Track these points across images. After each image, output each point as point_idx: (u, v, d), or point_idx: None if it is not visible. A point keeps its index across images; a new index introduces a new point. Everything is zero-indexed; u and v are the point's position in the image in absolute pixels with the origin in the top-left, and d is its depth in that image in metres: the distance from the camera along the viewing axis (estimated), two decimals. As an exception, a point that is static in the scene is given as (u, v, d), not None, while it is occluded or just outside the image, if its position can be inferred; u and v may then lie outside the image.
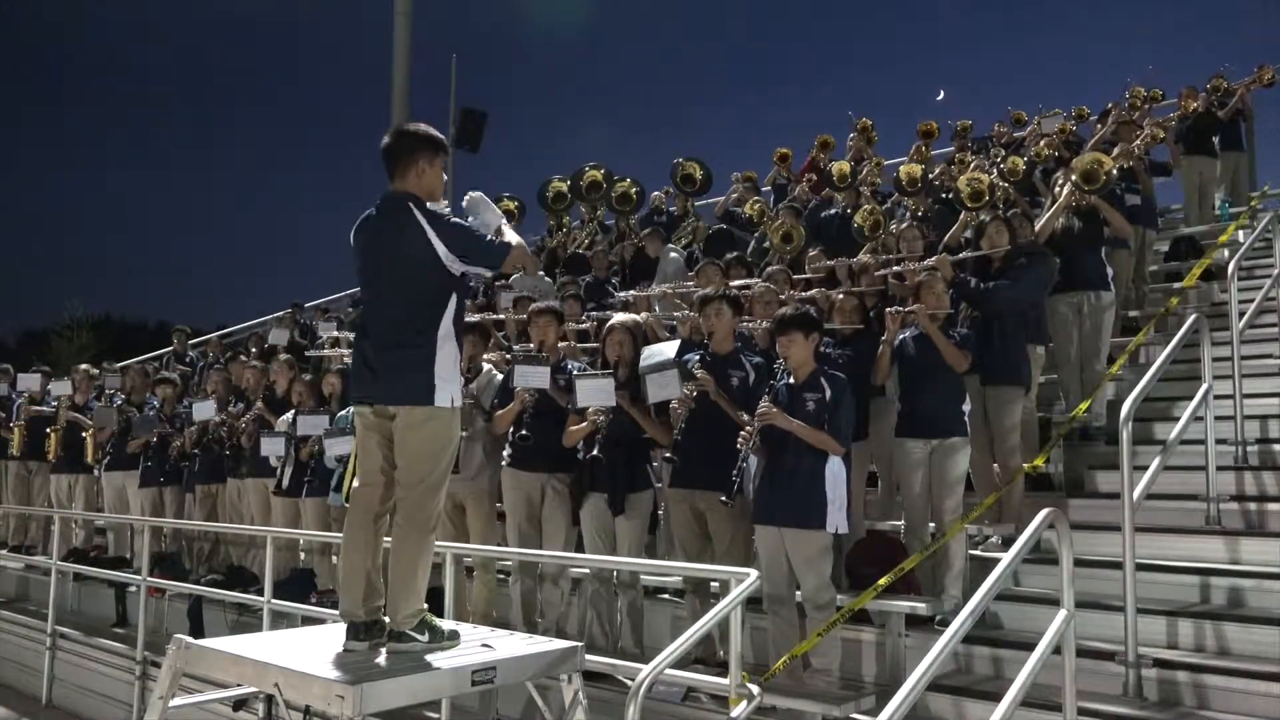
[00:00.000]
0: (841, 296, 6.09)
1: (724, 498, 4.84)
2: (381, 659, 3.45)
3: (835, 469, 4.71)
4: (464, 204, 3.79)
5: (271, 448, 7.54)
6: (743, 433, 4.82)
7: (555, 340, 6.15)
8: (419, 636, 3.51)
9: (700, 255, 9.69)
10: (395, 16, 14.90)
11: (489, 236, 3.63)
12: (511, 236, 3.73)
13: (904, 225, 7.43)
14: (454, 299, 3.60)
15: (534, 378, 5.64)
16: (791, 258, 8.35)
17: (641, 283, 10.66)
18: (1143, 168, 8.84)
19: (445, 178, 3.76)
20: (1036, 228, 6.74)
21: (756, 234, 9.86)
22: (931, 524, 5.40)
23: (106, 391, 10.64)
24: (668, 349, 5.41)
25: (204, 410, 8.54)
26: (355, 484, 3.78)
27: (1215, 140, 10.54)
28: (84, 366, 11.20)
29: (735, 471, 4.83)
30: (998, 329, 5.93)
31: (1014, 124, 12.52)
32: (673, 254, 9.90)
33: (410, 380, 3.50)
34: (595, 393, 5.39)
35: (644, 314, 6.68)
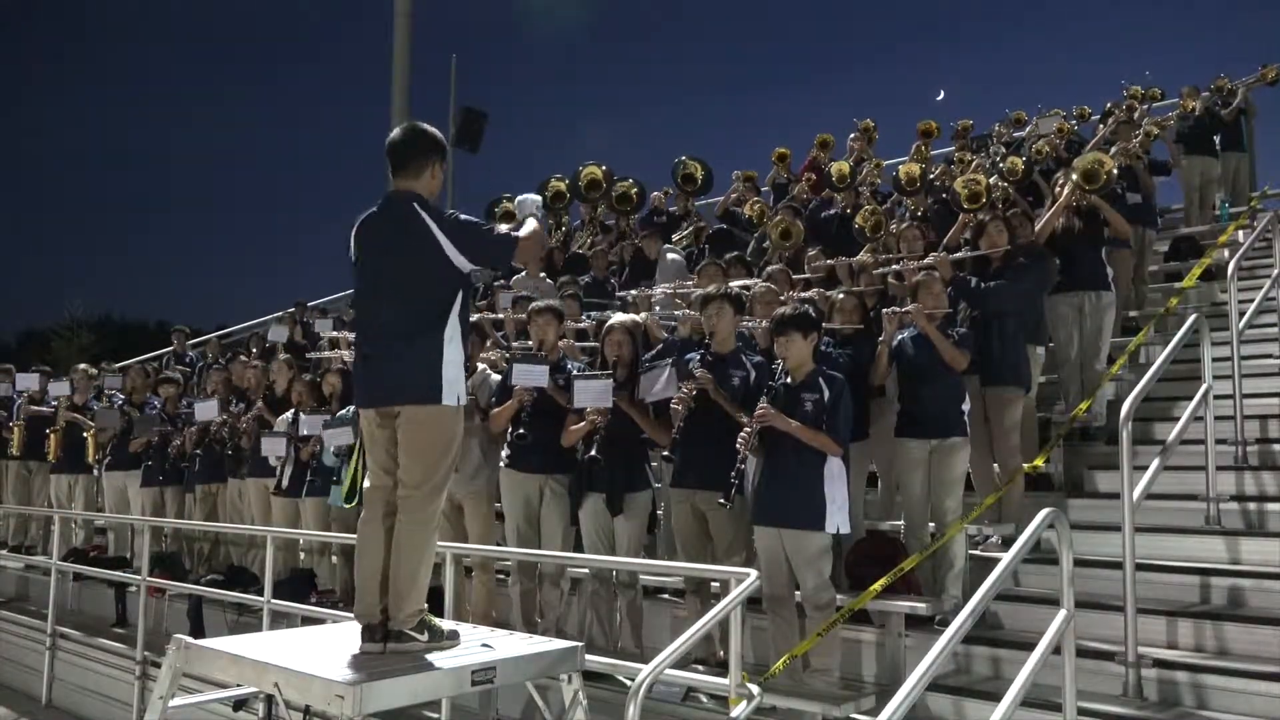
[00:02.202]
0: (841, 296, 6.08)
1: (722, 499, 4.84)
2: (381, 659, 3.45)
3: (834, 469, 4.71)
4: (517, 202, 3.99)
5: (271, 447, 7.54)
6: (741, 434, 4.82)
7: (555, 339, 6.15)
8: (419, 636, 3.52)
9: (699, 255, 9.71)
10: (395, 16, 14.89)
11: (494, 229, 3.65)
12: (526, 228, 3.75)
13: (904, 225, 7.42)
14: (460, 297, 3.61)
15: (533, 376, 5.64)
16: (791, 257, 8.35)
17: (642, 282, 10.68)
18: (1143, 167, 8.84)
19: (439, 179, 3.79)
20: (1037, 228, 6.73)
21: (756, 234, 9.87)
22: (931, 524, 5.40)
23: (106, 392, 10.63)
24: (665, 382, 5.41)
25: (207, 410, 8.54)
26: (366, 485, 3.79)
27: (1216, 140, 10.54)
28: (83, 366, 11.19)
29: (734, 473, 4.82)
30: (997, 329, 5.93)
31: (1014, 124, 12.51)
32: (670, 255, 9.89)
33: (417, 379, 3.50)
34: (592, 394, 5.39)
35: (643, 314, 6.67)
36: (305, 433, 7.35)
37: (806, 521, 4.65)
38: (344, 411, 7.11)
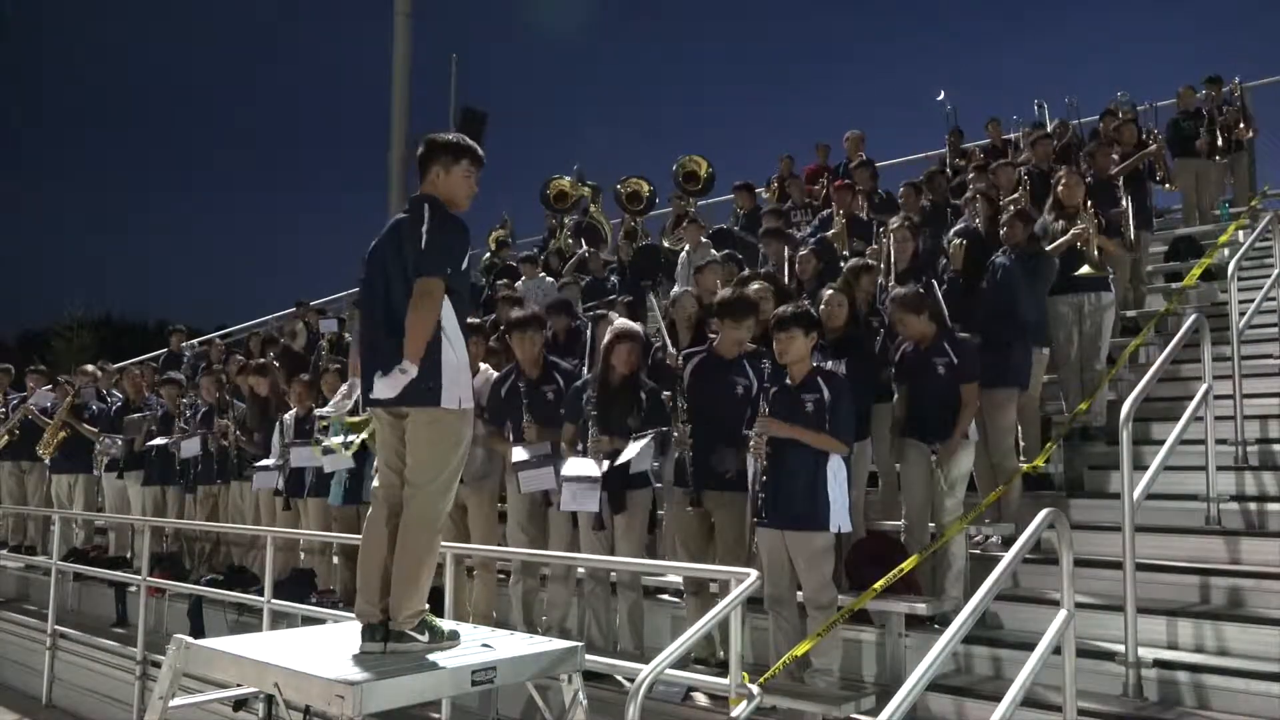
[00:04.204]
0: (830, 293, 5.85)
1: (755, 519, 4.83)
2: (382, 659, 3.45)
3: (835, 467, 4.70)
4: None
5: (263, 481, 7.66)
6: (751, 445, 4.80)
7: (537, 354, 5.98)
8: (419, 636, 3.52)
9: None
10: (395, 16, 14.89)
11: (449, 258, 3.54)
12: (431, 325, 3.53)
13: (894, 225, 7.19)
14: (451, 299, 3.60)
15: (539, 481, 5.60)
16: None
17: (643, 282, 10.68)
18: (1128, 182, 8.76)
19: (471, 184, 3.75)
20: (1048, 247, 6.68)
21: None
22: (931, 524, 5.40)
23: (96, 396, 10.58)
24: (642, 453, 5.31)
25: (189, 448, 8.53)
26: (374, 484, 3.81)
27: (1213, 141, 10.52)
28: (89, 367, 11.18)
29: (758, 487, 4.78)
30: (988, 333, 5.90)
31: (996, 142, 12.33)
32: (713, 250, 9.85)
33: (416, 381, 3.50)
34: (579, 495, 5.35)
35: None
36: (295, 465, 7.38)
37: (810, 522, 4.65)
38: (336, 439, 7.06)
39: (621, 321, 6.05)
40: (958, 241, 6.45)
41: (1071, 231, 6.74)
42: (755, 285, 6.31)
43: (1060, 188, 7.09)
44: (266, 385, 8.23)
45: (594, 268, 10.66)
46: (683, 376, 5.29)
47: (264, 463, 7.70)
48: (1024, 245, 6.43)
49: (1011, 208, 7.13)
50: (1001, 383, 5.86)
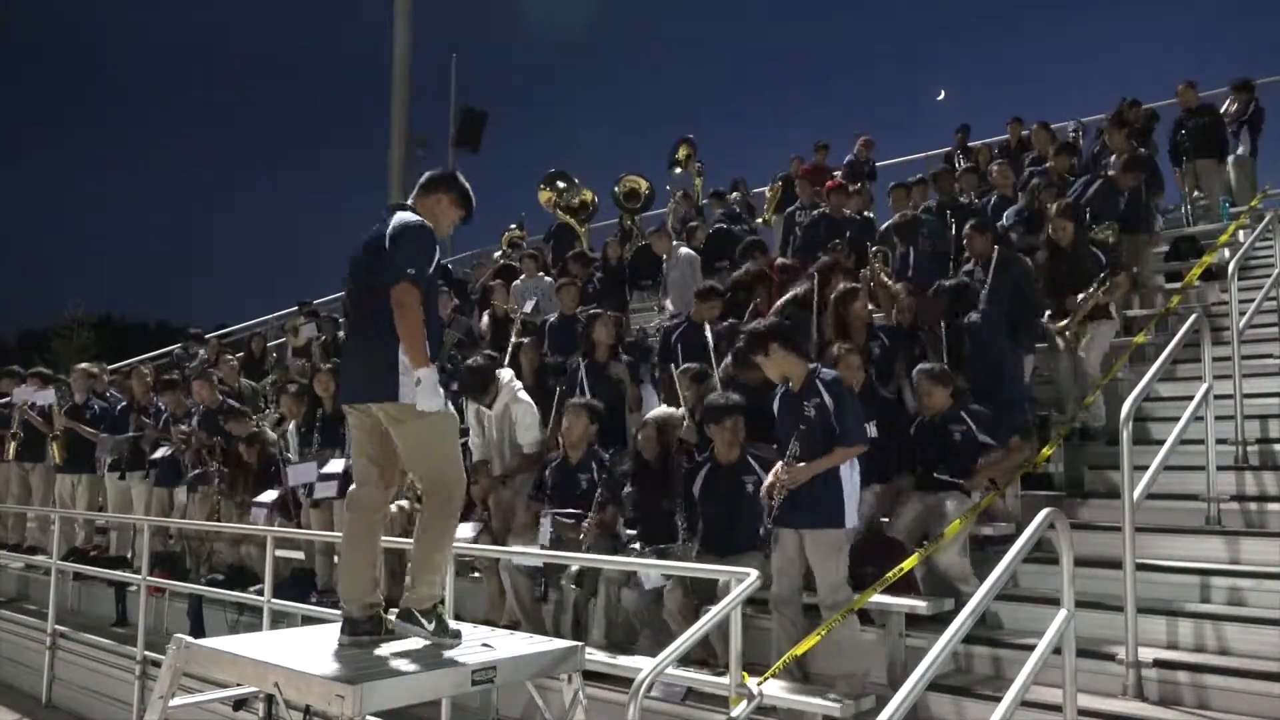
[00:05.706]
0: (845, 352, 5.64)
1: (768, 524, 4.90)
2: (382, 658, 3.46)
3: (849, 465, 4.73)
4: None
5: (257, 515, 7.65)
6: (769, 502, 4.82)
7: (580, 437, 6.09)
8: (425, 624, 3.58)
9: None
10: (395, 16, 14.89)
11: (415, 258, 3.56)
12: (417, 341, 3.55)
13: (901, 294, 6.87)
14: (423, 298, 3.60)
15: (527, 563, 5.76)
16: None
17: (644, 281, 10.72)
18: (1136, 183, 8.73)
19: (445, 212, 3.83)
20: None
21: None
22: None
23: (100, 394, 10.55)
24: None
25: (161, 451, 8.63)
26: (352, 486, 3.82)
27: (1220, 141, 10.50)
28: (84, 366, 11.14)
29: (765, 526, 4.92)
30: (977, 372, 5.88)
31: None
32: (682, 250, 9.87)
33: (377, 377, 3.57)
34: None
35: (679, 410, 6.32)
36: (293, 483, 7.43)
37: (830, 520, 4.67)
38: (336, 465, 7.09)
39: (658, 412, 6.14)
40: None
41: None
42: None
43: (1054, 230, 6.98)
44: (254, 454, 8.15)
45: (575, 270, 10.69)
46: (692, 490, 5.38)
47: (262, 498, 7.71)
48: (988, 255, 6.43)
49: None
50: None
